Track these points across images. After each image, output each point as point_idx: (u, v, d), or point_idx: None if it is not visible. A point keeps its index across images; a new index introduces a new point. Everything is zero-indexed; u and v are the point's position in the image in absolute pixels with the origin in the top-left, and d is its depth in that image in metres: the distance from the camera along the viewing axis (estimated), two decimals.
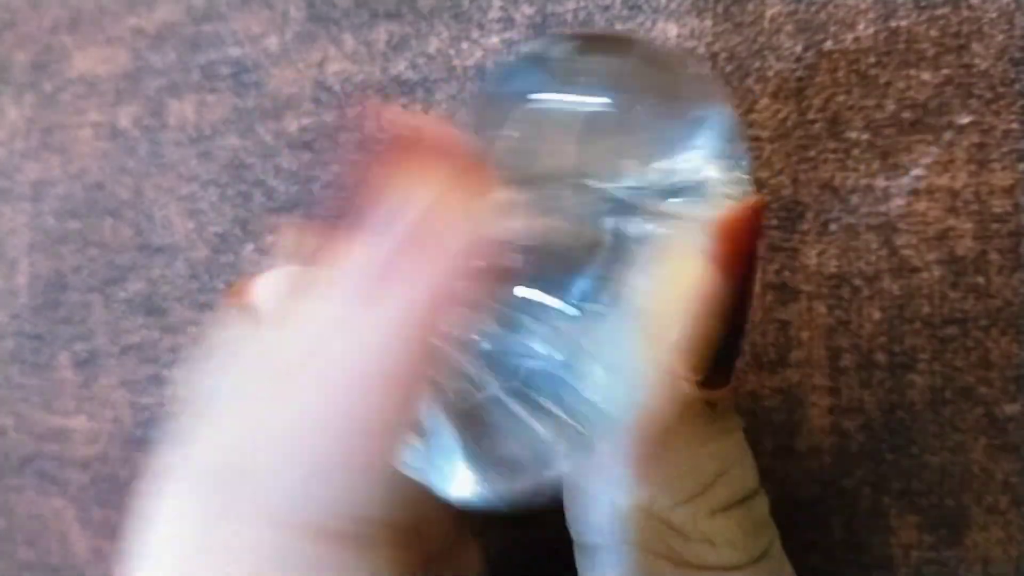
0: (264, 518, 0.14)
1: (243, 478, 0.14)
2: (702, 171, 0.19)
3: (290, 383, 0.14)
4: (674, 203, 0.18)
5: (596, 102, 0.18)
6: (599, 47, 0.20)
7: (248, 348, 0.18)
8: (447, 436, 0.18)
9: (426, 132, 0.17)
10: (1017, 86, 0.24)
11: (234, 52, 0.33)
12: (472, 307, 0.14)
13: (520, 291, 0.17)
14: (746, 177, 0.19)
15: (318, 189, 0.30)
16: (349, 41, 0.31)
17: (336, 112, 0.29)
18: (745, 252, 0.19)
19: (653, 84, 0.19)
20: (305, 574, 0.14)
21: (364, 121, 0.19)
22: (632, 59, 0.19)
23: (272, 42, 0.32)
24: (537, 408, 0.18)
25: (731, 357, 0.19)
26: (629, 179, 0.18)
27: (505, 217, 0.15)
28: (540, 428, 0.18)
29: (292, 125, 0.31)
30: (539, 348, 0.18)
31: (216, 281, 0.33)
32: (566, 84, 0.19)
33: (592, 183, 0.18)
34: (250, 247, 0.32)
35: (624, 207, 0.18)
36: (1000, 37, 0.24)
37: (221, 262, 0.33)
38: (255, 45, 0.32)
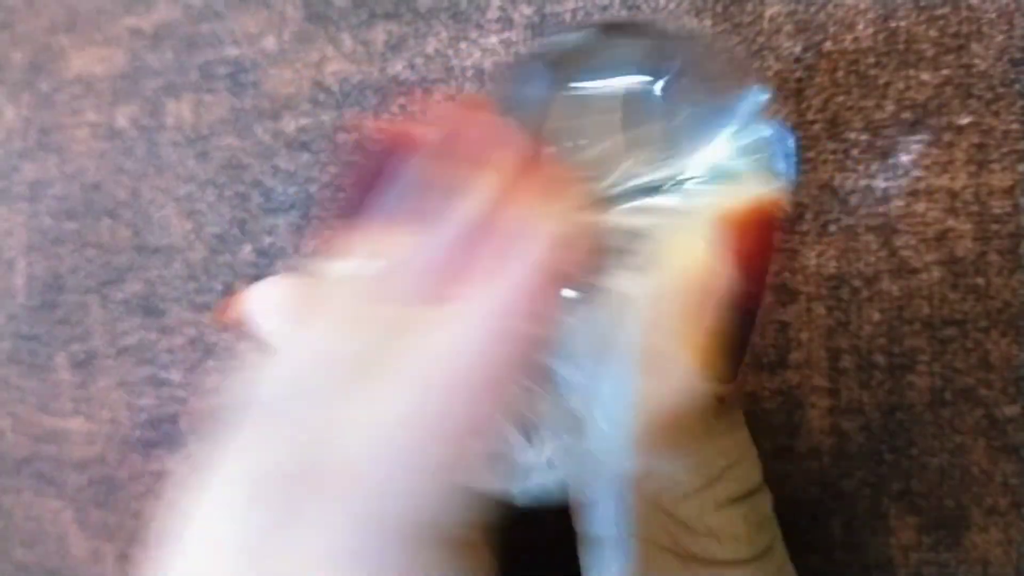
0: (346, 521, 0.13)
1: (320, 480, 0.13)
2: (733, 157, 0.18)
3: (376, 382, 0.14)
4: (697, 190, 0.18)
5: (633, 82, 0.18)
6: (624, 31, 0.20)
7: (296, 351, 0.17)
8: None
9: (476, 124, 0.17)
10: (1016, 87, 0.24)
11: (232, 52, 0.33)
12: (555, 309, 0.14)
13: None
14: (784, 163, 0.19)
15: (322, 189, 0.30)
16: (347, 41, 0.31)
17: (355, 114, 0.29)
18: (759, 246, 0.18)
19: (687, 61, 0.19)
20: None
21: (382, 122, 0.19)
22: (660, 39, 0.19)
23: (270, 42, 0.32)
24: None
25: (741, 351, 0.19)
26: (666, 167, 0.18)
27: (588, 215, 0.15)
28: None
29: (290, 125, 0.31)
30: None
31: (214, 282, 0.33)
32: (597, 70, 0.18)
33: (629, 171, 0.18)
34: (248, 248, 0.32)
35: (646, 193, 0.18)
36: (999, 38, 0.24)
37: (219, 263, 0.33)
38: (252, 45, 0.32)
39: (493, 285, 0.13)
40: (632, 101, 0.18)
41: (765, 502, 0.20)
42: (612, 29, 0.20)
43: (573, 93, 0.18)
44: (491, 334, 0.13)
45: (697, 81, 0.19)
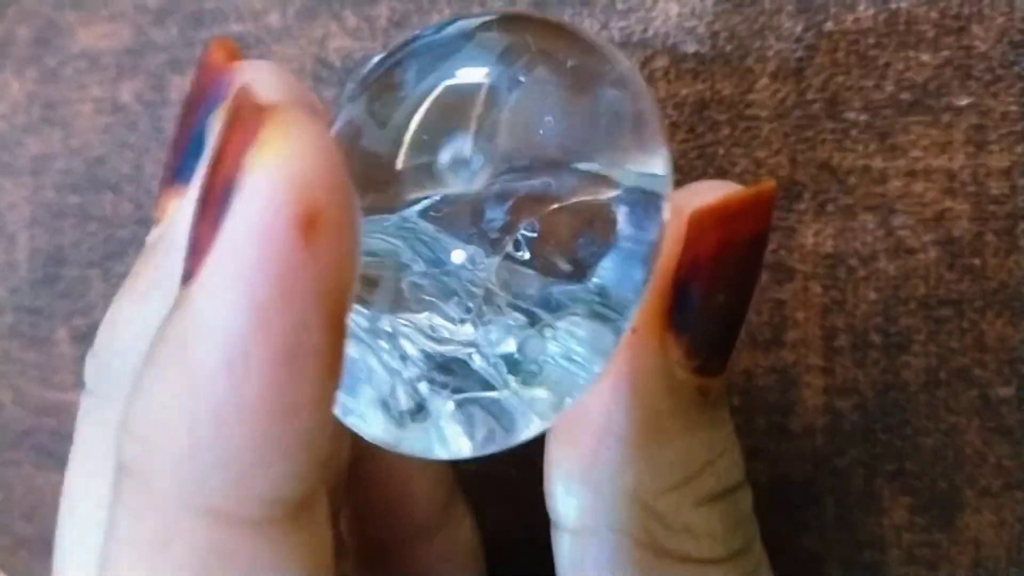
0: (149, 507, 0.12)
1: (127, 466, 0.13)
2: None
3: (148, 370, 0.13)
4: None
5: (482, 74, 0.17)
6: (502, 25, 0.18)
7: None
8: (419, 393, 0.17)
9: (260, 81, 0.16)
10: (1016, 68, 0.24)
11: (236, 28, 0.33)
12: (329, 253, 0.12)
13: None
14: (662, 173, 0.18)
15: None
16: (351, 18, 0.31)
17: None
18: (743, 242, 0.18)
19: (552, 53, 0.17)
20: (204, 562, 0.12)
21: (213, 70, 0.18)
22: (528, 34, 0.18)
23: (274, 18, 0.32)
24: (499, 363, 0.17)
25: (726, 345, 0.19)
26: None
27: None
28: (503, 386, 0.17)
29: None
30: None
31: None
32: (460, 62, 0.17)
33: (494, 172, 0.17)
34: None
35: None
36: (1000, 19, 0.24)
37: None
38: (257, 21, 0.32)
39: (219, 249, 0.11)
40: (492, 96, 0.17)
41: (745, 499, 0.20)
42: (502, 20, 0.18)
43: (427, 84, 0.17)
44: (232, 304, 0.11)
45: (564, 74, 0.18)
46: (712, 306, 0.18)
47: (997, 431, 0.24)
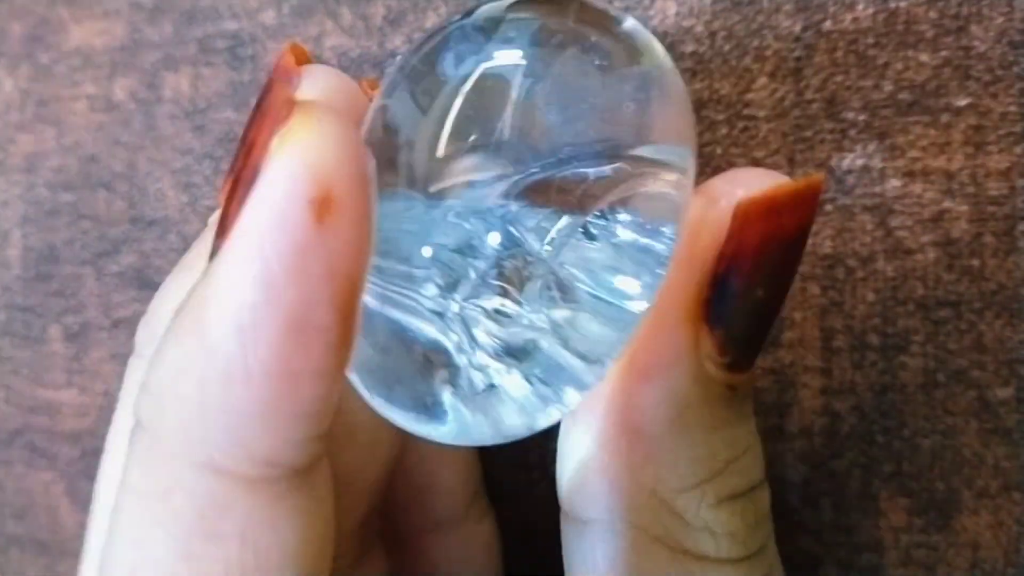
0: (170, 454, 0.13)
1: (143, 428, 0.14)
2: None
3: (182, 331, 0.14)
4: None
5: (517, 58, 0.17)
6: (529, 5, 0.18)
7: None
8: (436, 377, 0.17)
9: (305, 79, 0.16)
10: (1016, 69, 0.24)
11: (231, 26, 0.32)
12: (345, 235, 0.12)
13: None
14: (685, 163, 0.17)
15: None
16: (346, 15, 0.30)
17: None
18: (787, 236, 0.17)
19: (585, 37, 0.17)
20: (201, 512, 0.13)
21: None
22: (562, 15, 0.17)
23: (269, 16, 0.32)
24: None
25: (759, 341, 0.18)
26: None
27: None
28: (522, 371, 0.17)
29: None
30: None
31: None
32: (496, 45, 0.17)
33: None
34: None
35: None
36: (999, 20, 0.24)
37: None
38: (252, 19, 0.32)
39: (239, 225, 0.12)
40: (527, 80, 0.17)
41: (764, 498, 0.20)
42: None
43: (464, 72, 0.17)
44: (247, 275, 0.12)
45: (599, 61, 0.17)
46: (750, 301, 0.17)
47: (995, 432, 0.24)
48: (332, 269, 0.12)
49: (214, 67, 0.33)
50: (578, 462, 0.19)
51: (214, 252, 0.13)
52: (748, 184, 0.17)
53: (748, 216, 0.17)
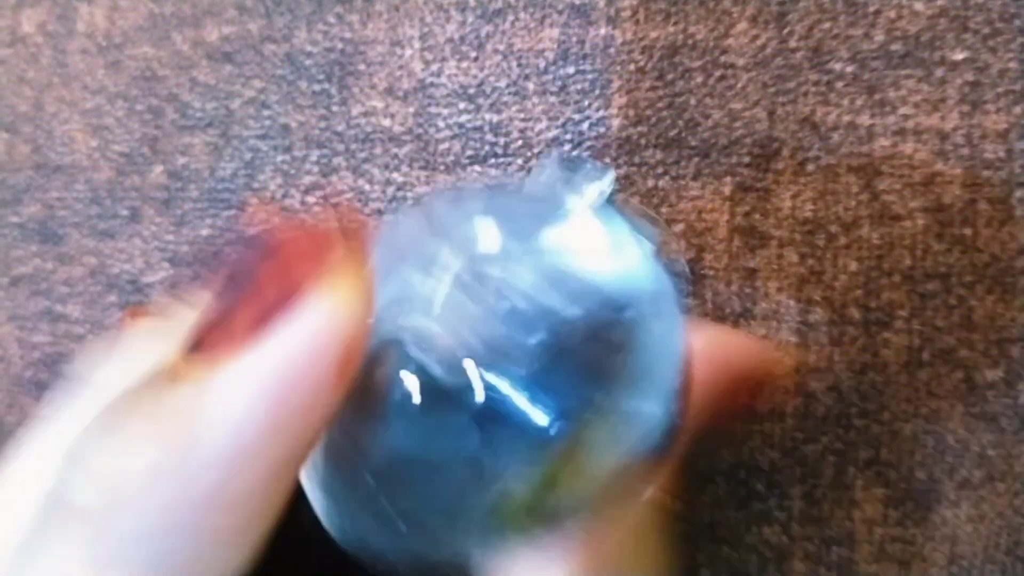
0: (83, 562, 0.13)
1: (64, 516, 0.13)
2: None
3: (126, 430, 0.13)
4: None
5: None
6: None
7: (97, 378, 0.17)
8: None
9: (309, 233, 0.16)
10: (1017, 22, 0.22)
11: None
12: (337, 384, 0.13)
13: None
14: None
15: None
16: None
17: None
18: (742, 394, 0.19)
19: None
20: None
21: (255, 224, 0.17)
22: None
23: None
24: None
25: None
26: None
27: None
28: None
29: (213, 34, 0.28)
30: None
31: (119, 206, 0.29)
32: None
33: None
34: (159, 168, 0.29)
35: None
36: None
37: (126, 185, 0.29)
38: None
39: (265, 348, 0.13)
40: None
41: None
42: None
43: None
44: (255, 410, 0.12)
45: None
46: None
47: (981, 417, 0.22)
48: (327, 414, 0.13)
49: None
50: None
51: (196, 345, 0.13)
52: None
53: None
